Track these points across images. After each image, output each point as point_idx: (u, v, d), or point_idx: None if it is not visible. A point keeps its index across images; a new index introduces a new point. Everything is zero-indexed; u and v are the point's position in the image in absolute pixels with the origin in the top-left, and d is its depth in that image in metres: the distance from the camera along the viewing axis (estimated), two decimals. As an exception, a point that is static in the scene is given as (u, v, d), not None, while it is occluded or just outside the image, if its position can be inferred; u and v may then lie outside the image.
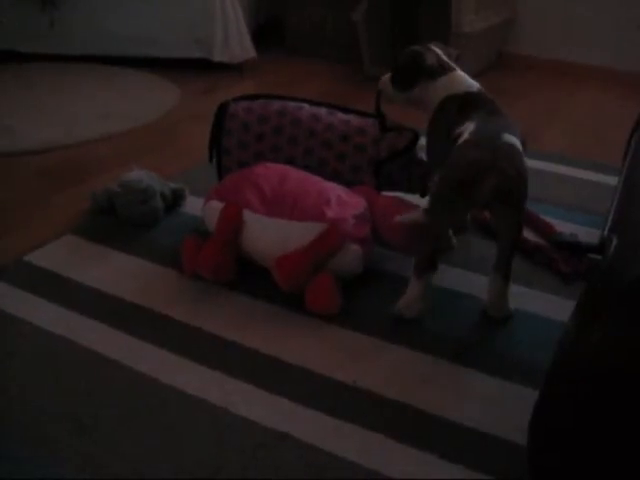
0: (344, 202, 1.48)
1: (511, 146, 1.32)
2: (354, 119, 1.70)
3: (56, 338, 1.33)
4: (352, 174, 1.66)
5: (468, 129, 1.38)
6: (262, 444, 1.11)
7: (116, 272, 1.54)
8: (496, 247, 1.40)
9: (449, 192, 1.30)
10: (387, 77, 1.64)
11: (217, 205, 1.52)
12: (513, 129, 1.39)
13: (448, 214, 1.35)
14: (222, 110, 1.72)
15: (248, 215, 1.48)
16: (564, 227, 1.75)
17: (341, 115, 1.71)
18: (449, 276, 1.55)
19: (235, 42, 3.09)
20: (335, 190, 1.51)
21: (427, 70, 1.54)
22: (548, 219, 1.77)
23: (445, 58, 1.58)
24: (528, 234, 1.69)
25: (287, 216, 1.46)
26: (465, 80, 1.55)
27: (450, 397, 1.22)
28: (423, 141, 1.64)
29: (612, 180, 2.06)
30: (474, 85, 1.54)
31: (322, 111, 1.71)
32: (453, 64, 1.58)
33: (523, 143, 1.41)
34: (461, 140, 1.36)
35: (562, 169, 2.17)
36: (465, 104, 1.48)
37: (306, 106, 1.72)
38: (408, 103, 1.62)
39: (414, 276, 1.37)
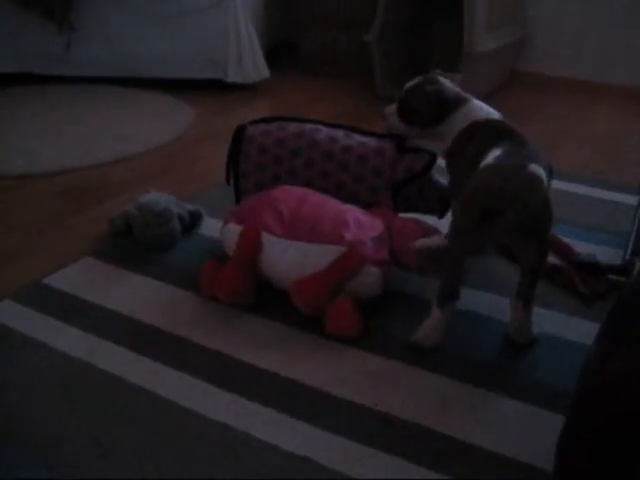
0: (362, 224, 1.48)
1: (536, 177, 1.29)
2: (371, 141, 1.70)
3: (75, 361, 1.34)
4: (369, 196, 1.66)
5: (493, 155, 1.36)
6: (282, 468, 1.10)
7: (134, 294, 1.55)
8: (518, 275, 1.37)
9: (470, 221, 1.28)
10: (393, 110, 1.63)
11: (235, 228, 1.53)
12: (539, 158, 1.37)
13: (468, 243, 1.32)
14: (239, 133, 1.73)
15: (266, 238, 1.48)
16: (581, 247, 1.74)
17: (358, 137, 1.71)
18: (469, 298, 1.55)
19: (249, 63, 3.12)
20: (353, 212, 1.51)
21: (451, 107, 1.53)
22: (565, 239, 1.76)
23: (456, 88, 1.58)
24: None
25: (305, 239, 1.46)
26: (484, 108, 1.54)
27: (471, 420, 1.21)
28: (439, 163, 1.64)
29: (629, 199, 2.06)
30: (493, 112, 1.53)
31: (339, 133, 1.72)
32: (466, 94, 1.57)
33: (550, 170, 1.40)
34: (483, 164, 1.35)
35: (578, 188, 2.17)
36: (489, 132, 1.46)
37: (323, 128, 1.73)
38: (419, 137, 1.62)
39: (436, 306, 1.35)
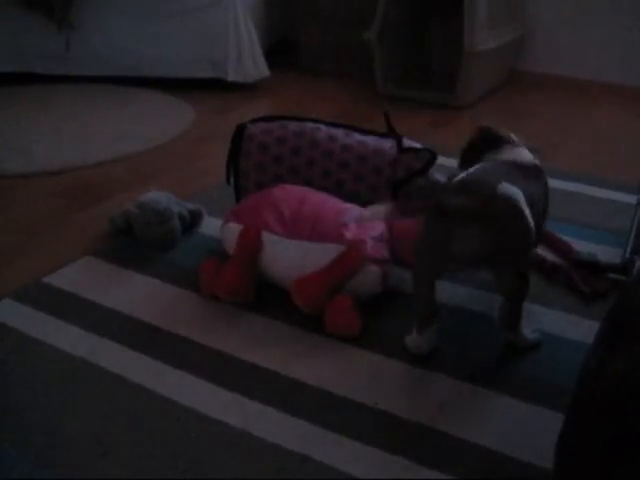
0: (362, 223, 1.48)
1: (507, 198, 1.22)
2: (371, 140, 1.70)
3: (75, 359, 1.34)
4: (370, 194, 1.66)
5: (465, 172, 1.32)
6: (283, 467, 1.10)
7: (135, 293, 1.55)
8: (500, 303, 1.34)
9: (428, 245, 1.24)
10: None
11: (235, 227, 1.53)
12: (521, 181, 1.29)
13: (430, 265, 1.28)
14: (240, 132, 1.73)
15: (267, 237, 1.49)
16: (581, 246, 1.74)
17: (358, 136, 1.72)
18: (467, 296, 1.55)
19: (249, 61, 3.12)
20: (353, 211, 1.52)
21: (489, 145, 1.47)
22: (564, 237, 1.76)
23: (506, 135, 1.50)
24: (546, 253, 1.68)
25: (306, 238, 1.46)
26: (517, 153, 1.44)
27: (471, 419, 1.21)
28: (440, 161, 1.64)
29: (628, 198, 2.06)
30: (526, 157, 1.44)
31: (339, 132, 1.72)
32: (515, 140, 1.49)
33: (541, 207, 1.35)
34: (453, 181, 1.30)
35: (578, 187, 2.17)
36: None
37: (323, 127, 1.73)
38: None
39: (416, 330, 1.34)
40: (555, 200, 2.01)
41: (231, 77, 3.10)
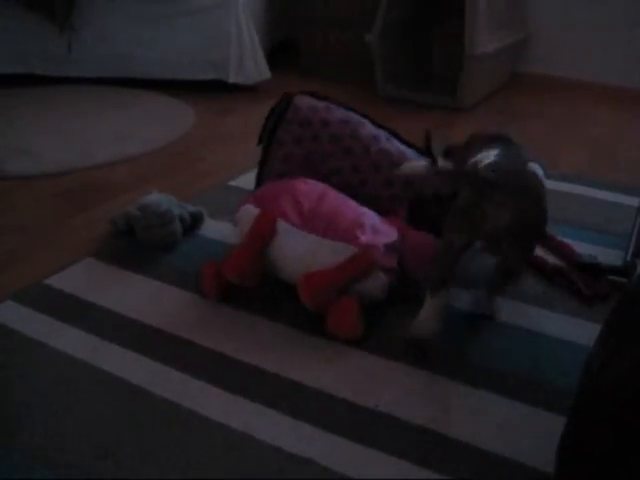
0: (377, 229, 1.48)
1: (535, 175, 1.31)
2: (409, 152, 1.70)
3: (77, 362, 1.34)
4: (390, 203, 1.66)
5: (488, 156, 1.38)
6: (285, 470, 1.10)
7: (136, 296, 1.55)
8: (494, 272, 1.39)
9: (463, 211, 1.29)
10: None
11: (253, 210, 1.53)
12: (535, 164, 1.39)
13: (460, 234, 1.31)
14: (286, 100, 1.73)
15: (282, 226, 1.48)
16: (581, 248, 1.74)
17: (397, 144, 1.72)
18: (468, 298, 1.55)
19: (250, 63, 3.13)
20: (370, 216, 1.52)
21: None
22: (565, 240, 1.76)
23: None
24: (547, 256, 1.68)
25: (320, 233, 1.46)
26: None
27: (473, 422, 1.21)
28: (441, 163, 1.64)
29: (630, 200, 2.06)
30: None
31: (382, 134, 1.72)
32: None
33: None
34: (483, 164, 1.37)
35: (579, 189, 2.17)
36: (481, 137, 1.54)
37: (368, 124, 1.73)
38: None
39: (428, 294, 1.34)
40: (556, 202, 2.01)
41: (232, 79, 3.11)
